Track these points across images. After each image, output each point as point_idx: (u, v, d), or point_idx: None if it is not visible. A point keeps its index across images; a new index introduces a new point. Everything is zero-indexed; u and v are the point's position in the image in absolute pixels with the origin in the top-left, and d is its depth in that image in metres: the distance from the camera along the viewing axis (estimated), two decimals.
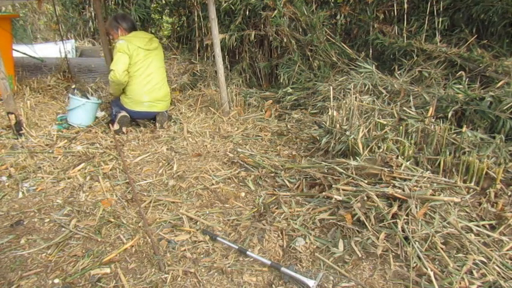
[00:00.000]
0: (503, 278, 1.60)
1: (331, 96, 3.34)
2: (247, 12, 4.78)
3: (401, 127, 2.59)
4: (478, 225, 1.89)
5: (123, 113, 3.38)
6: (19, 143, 3.05)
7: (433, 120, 2.68)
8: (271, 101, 4.19)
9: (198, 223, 2.11)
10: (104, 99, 4.11)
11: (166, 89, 3.55)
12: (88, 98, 3.55)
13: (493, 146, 2.37)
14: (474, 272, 1.64)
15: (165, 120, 3.54)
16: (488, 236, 1.85)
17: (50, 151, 2.97)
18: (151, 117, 3.59)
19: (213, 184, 2.53)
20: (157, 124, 3.51)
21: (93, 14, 7.94)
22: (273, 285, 1.64)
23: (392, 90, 3.40)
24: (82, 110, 3.45)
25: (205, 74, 4.91)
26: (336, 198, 2.03)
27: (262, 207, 2.20)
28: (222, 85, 3.85)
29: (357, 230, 1.88)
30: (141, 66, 3.33)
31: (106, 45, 4.30)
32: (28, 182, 2.52)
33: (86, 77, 5.13)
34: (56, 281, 1.68)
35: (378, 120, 2.77)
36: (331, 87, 3.50)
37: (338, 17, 4.72)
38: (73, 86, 3.86)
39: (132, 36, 3.36)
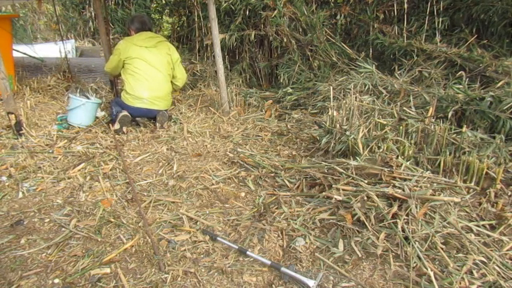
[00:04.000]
0: (503, 278, 1.60)
1: (331, 96, 3.35)
2: (247, 12, 4.79)
3: (401, 127, 2.59)
4: (478, 225, 1.89)
5: (124, 113, 3.39)
6: (19, 143, 3.04)
7: (433, 120, 2.68)
8: (271, 101, 4.19)
9: (198, 223, 2.11)
10: (104, 99, 4.11)
11: (168, 87, 3.59)
12: (88, 98, 3.55)
13: (493, 146, 2.37)
14: (474, 272, 1.64)
15: (165, 120, 3.54)
16: (488, 236, 1.85)
17: (50, 151, 2.97)
18: (151, 116, 3.59)
19: (213, 184, 2.53)
20: (157, 124, 3.51)
21: (93, 14, 7.95)
22: (273, 285, 1.64)
23: (392, 90, 3.40)
24: (82, 110, 3.45)
25: (205, 74, 4.92)
26: (336, 198, 2.03)
27: (262, 207, 2.20)
28: (222, 85, 3.85)
29: (357, 230, 1.88)
30: (140, 63, 3.41)
31: (106, 45, 4.30)
32: (28, 182, 2.52)
33: (86, 77, 5.13)
34: (56, 281, 1.68)
35: (378, 120, 2.77)
36: (331, 87, 3.50)
37: (338, 17, 4.73)
38: (77, 90, 3.90)
39: (135, 36, 3.53)
